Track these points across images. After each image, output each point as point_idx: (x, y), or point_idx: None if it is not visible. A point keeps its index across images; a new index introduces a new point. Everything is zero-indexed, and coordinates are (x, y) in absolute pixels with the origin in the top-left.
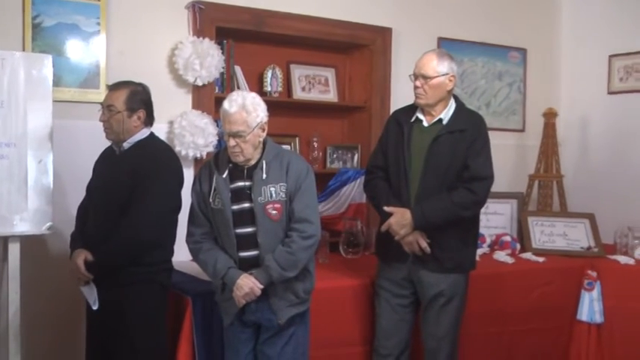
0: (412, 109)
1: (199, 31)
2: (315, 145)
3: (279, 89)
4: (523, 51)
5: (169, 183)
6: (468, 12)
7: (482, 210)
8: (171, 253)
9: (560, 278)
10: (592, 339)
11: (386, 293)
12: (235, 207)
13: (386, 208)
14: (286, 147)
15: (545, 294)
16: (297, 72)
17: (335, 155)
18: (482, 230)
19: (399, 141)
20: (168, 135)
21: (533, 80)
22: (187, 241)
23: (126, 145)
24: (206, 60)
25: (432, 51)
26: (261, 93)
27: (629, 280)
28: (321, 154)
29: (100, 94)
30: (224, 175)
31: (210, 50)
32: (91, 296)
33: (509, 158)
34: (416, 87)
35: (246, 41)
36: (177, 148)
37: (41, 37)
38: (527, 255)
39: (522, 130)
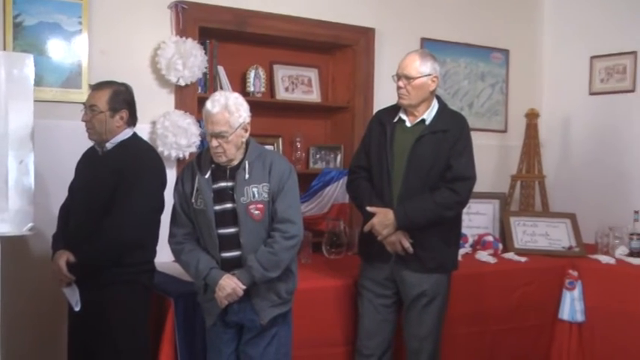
0: (395, 109)
1: (182, 31)
2: (298, 145)
3: (262, 89)
4: (505, 52)
5: (152, 183)
6: (451, 13)
7: (465, 210)
8: (154, 253)
9: (542, 278)
10: (573, 338)
11: (368, 293)
12: (218, 207)
13: (369, 208)
14: (269, 147)
15: (527, 293)
16: (280, 72)
17: (318, 155)
18: (464, 230)
19: (381, 141)
20: (151, 135)
21: (515, 81)
22: (169, 242)
23: (109, 145)
24: (189, 60)
25: (415, 51)
26: (244, 93)
27: (610, 280)
28: (304, 154)
29: (82, 94)
30: (206, 176)
31: (193, 50)
32: (73, 297)
33: (492, 159)
34: (399, 87)
35: (229, 41)
36: (159, 149)
37: (22, 37)
38: (510, 255)
39: (505, 131)
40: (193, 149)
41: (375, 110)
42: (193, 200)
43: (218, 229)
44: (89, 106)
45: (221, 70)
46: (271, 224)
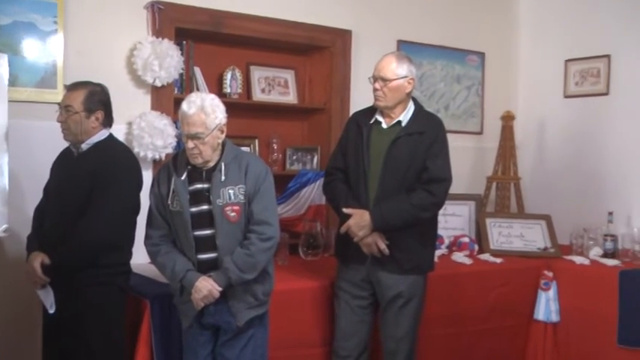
0: (371, 111)
1: (158, 32)
2: (275, 146)
3: (239, 91)
4: (481, 55)
5: (128, 185)
6: (428, 15)
7: (441, 211)
8: (130, 255)
9: (518, 278)
10: (548, 337)
11: (345, 295)
12: (194, 209)
13: (345, 210)
14: (246, 149)
15: (502, 294)
16: (257, 73)
17: (295, 157)
18: (440, 231)
19: (358, 143)
20: (127, 136)
21: (491, 83)
22: (145, 244)
23: (84, 146)
24: (165, 61)
25: (392, 54)
26: (221, 94)
27: (585, 280)
28: (280, 155)
29: (58, 94)
30: (182, 177)
31: (170, 51)
32: (48, 300)
33: (468, 160)
34: (375, 89)
35: (206, 42)
36: (135, 150)
37: None
38: (485, 256)
39: (480, 133)
40: (169, 150)
41: (351, 112)
42: (169, 202)
43: (194, 230)
44: (64, 107)
45: (197, 71)
46: (247, 226)
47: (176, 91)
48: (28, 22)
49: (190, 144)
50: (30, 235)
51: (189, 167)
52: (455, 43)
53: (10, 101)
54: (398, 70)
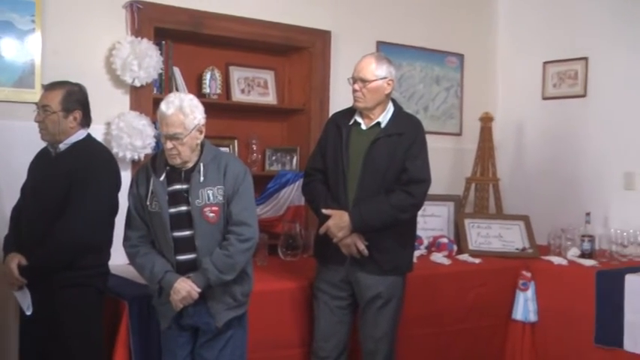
0: (351, 111)
1: (137, 31)
2: (254, 147)
3: (218, 91)
4: (460, 56)
5: (106, 185)
6: (407, 17)
7: (420, 212)
8: (108, 256)
9: (496, 279)
10: (526, 337)
11: (324, 295)
12: (172, 210)
13: (324, 211)
14: (225, 149)
15: (481, 294)
16: (236, 74)
17: (274, 158)
18: (419, 232)
19: (337, 144)
20: (106, 136)
21: (470, 85)
22: (124, 245)
23: (62, 146)
24: (144, 60)
25: (371, 55)
26: (200, 95)
27: (562, 280)
28: (260, 156)
29: (35, 94)
30: (161, 178)
31: (149, 51)
32: (25, 301)
33: (447, 161)
34: (354, 90)
35: (185, 42)
36: (114, 150)
37: None
38: (464, 256)
39: (459, 134)
40: (148, 151)
41: (331, 112)
42: (148, 203)
43: (173, 231)
44: (42, 107)
45: (177, 71)
46: (226, 227)
47: (155, 91)
48: (6, 21)
49: (169, 144)
50: (7, 235)
51: (167, 168)
52: (434, 44)
53: None
54: (377, 71)
